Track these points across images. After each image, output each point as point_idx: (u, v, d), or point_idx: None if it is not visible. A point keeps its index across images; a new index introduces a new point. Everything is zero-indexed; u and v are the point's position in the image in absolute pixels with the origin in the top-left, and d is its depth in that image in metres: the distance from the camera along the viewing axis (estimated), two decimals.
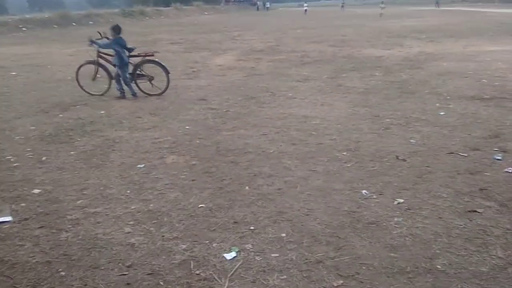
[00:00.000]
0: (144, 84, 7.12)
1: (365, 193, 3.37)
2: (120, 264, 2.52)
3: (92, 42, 6.70)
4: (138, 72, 6.93)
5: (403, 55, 10.93)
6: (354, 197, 3.31)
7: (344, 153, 4.26)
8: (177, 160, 4.22)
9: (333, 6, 72.24)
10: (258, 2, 57.84)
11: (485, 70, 8.44)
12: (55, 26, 23.84)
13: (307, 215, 3.07)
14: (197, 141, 4.77)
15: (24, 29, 22.11)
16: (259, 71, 9.51)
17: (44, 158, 4.33)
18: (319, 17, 32.08)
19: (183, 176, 3.81)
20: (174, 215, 3.09)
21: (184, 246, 2.69)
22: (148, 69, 7.05)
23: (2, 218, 3.07)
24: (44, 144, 4.78)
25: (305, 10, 41.26)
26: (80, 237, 2.82)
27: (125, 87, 6.90)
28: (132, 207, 3.25)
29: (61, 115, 6.00)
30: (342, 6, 49.31)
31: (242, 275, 2.40)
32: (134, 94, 6.96)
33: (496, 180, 3.51)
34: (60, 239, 2.81)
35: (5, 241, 2.80)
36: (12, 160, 4.29)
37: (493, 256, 2.51)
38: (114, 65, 6.77)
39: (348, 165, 3.96)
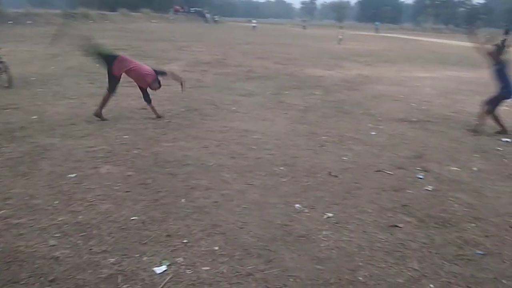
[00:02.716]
0: None
1: (298, 207, 3.50)
2: (42, 278, 2.40)
3: None
4: None
5: (342, 77, 11.51)
6: (288, 211, 3.42)
7: (281, 168, 4.39)
8: (112, 171, 4.10)
9: (280, 25, 74.42)
10: (207, 15, 58.05)
11: (414, 94, 9.12)
12: None
13: (241, 228, 3.12)
14: (135, 152, 4.68)
15: None
16: (205, 83, 9.53)
17: None
18: (267, 34, 32.87)
19: (116, 187, 3.71)
20: (104, 228, 3.00)
21: (112, 260, 2.62)
22: None
23: None
24: None
25: (254, 26, 42.06)
26: None
27: None
28: (59, 219, 3.11)
29: None
30: (304, 27, 49.24)
31: None
32: None
33: (417, 197, 3.80)
34: None
35: None
36: None
37: (409, 268, 2.71)
38: None
39: (284, 180, 4.09)
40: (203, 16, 57.26)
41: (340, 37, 26.33)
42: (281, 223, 3.21)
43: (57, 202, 3.38)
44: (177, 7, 56.22)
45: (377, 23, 56.79)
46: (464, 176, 4.40)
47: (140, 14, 41.88)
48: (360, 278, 2.57)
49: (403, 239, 3.07)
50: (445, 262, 2.79)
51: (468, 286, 2.55)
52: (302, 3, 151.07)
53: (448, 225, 3.31)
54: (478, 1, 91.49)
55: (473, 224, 3.34)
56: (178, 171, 4.20)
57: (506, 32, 30.54)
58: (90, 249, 2.73)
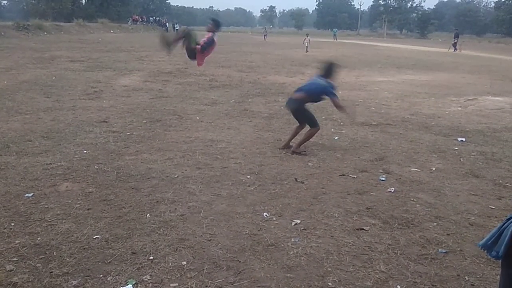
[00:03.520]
0: None
1: (265, 215, 3.49)
2: None
3: None
4: None
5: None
6: (256, 220, 3.41)
7: (248, 177, 4.38)
8: (71, 188, 3.93)
9: (241, 33, 74.91)
10: (167, 24, 57.49)
11: (373, 98, 9.41)
12: None
13: (209, 240, 3.07)
14: (96, 167, 4.52)
15: None
16: (167, 93, 9.39)
17: None
18: (228, 42, 32.91)
19: (77, 205, 3.56)
20: (65, 249, 2.87)
21: (75, 282, 2.50)
22: None
23: None
24: None
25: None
26: None
27: None
28: (17, 242, 2.94)
29: None
30: (265, 35, 45.44)
31: None
32: None
33: (380, 199, 3.90)
34: None
35: None
36: None
37: (376, 271, 2.76)
38: None
39: (251, 188, 4.07)
40: (163, 25, 56.63)
41: (307, 44, 25.96)
42: (249, 232, 3.19)
43: (13, 224, 3.20)
44: (136, 17, 55.39)
45: (335, 29, 58.14)
46: (423, 176, 4.56)
47: (98, 24, 40.85)
48: (330, 284, 2.59)
49: (369, 241, 3.12)
50: (410, 262, 2.86)
51: (433, 285, 2.63)
52: (262, 11, 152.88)
53: (411, 225, 3.41)
54: (428, 6, 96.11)
55: (435, 223, 3.45)
56: (142, 185, 4.09)
57: (457, 35, 32.31)
58: (51, 272, 2.59)
